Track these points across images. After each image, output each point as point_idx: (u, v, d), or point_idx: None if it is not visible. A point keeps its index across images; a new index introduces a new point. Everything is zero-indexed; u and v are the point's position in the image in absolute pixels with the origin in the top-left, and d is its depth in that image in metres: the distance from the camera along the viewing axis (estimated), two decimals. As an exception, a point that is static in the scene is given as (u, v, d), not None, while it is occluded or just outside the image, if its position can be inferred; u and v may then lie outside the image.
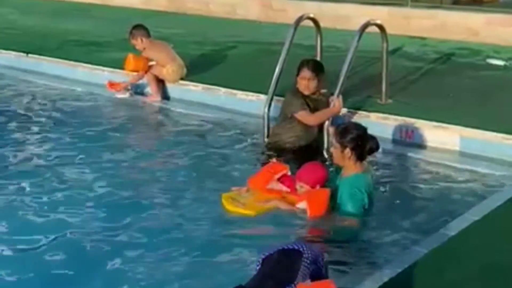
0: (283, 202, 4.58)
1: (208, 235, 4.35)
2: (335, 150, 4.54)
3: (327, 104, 5.75)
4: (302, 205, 4.49)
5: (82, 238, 4.33)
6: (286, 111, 5.73)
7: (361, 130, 4.59)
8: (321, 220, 4.46)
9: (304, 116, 5.58)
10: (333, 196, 4.47)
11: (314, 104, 5.70)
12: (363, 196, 4.44)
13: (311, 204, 4.44)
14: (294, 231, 4.43)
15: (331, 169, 4.82)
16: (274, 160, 5.26)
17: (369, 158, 5.56)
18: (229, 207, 4.61)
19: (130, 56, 7.43)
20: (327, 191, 4.46)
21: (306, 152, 5.63)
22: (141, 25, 7.56)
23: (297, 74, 5.69)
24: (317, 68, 5.67)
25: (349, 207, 4.43)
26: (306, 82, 5.60)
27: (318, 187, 4.58)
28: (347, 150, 4.47)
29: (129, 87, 7.61)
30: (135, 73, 7.51)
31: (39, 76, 8.48)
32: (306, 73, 5.60)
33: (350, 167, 4.52)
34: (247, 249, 4.12)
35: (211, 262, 4.01)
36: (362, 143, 4.50)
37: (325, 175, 4.65)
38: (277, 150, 5.61)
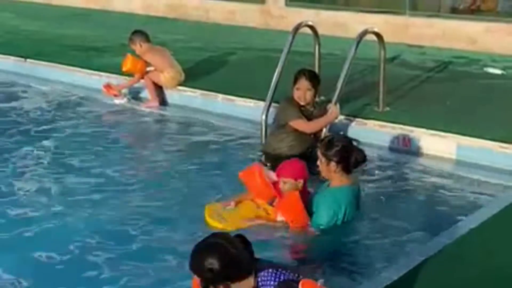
0: (265, 219, 4.55)
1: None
2: (321, 163, 4.49)
3: (322, 114, 5.72)
4: (280, 217, 4.48)
5: (71, 248, 4.34)
6: (280, 119, 5.70)
7: (347, 142, 4.56)
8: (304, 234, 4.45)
9: (300, 124, 5.56)
10: (311, 202, 4.49)
11: (309, 114, 5.66)
12: (338, 212, 4.42)
13: (284, 212, 4.43)
14: (280, 247, 4.40)
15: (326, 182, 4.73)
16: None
17: (367, 166, 5.63)
18: (210, 220, 4.55)
19: (129, 56, 7.46)
20: (295, 194, 4.42)
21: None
22: (140, 30, 7.58)
23: (294, 84, 5.68)
24: (314, 78, 5.65)
25: (321, 219, 4.42)
26: (303, 92, 5.58)
27: (301, 180, 4.53)
28: (333, 163, 4.44)
29: (125, 91, 7.62)
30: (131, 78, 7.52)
31: (37, 80, 8.48)
32: (303, 83, 5.58)
33: (336, 180, 4.50)
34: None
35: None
36: (347, 156, 4.45)
37: (303, 166, 4.62)
38: (272, 160, 5.59)
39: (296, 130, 5.58)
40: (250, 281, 2.88)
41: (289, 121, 5.61)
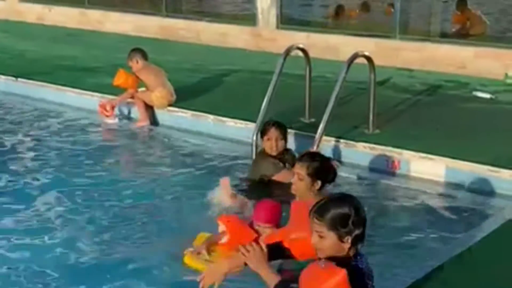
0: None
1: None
2: (300, 182, 4.42)
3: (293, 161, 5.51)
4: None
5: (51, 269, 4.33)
6: (257, 176, 5.53)
7: (325, 159, 4.57)
8: None
9: (285, 175, 5.29)
10: None
11: (284, 162, 5.58)
12: None
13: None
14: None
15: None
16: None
17: (356, 188, 5.65)
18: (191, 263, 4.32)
19: (121, 70, 7.51)
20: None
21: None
22: (139, 48, 7.69)
23: (263, 136, 5.60)
24: (283, 127, 5.60)
25: None
26: (273, 142, 5.50)
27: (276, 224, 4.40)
28: (318, 182, 4.42)
29: (117, 112, 7.61)
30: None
31: (28, 100, 8.48)
32: (273, 133, 5.52)
33: (312, 198, 4.36)
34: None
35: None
36: (328, 174, 4.48)
37: (279, 208, 4.49)
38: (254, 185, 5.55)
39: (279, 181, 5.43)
40: None
41: (271, 176, 5.48)
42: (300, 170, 4.42)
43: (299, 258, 3.53)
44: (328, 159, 4.61)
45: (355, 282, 2.99)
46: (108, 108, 7.55)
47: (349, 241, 3.05)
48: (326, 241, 3.06)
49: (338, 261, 3.05)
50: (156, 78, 7.47)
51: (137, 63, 7.48)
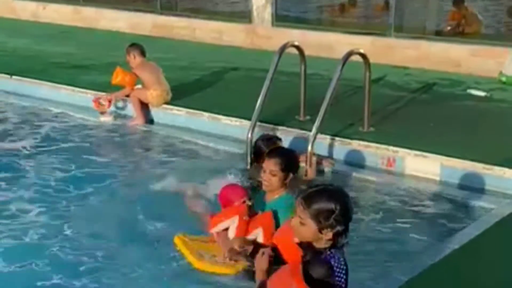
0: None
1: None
2: (274, 178, 4.44)
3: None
4: (254, 235, 4.38)
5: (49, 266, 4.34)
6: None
7: (292, 151, 4.70)
8: None
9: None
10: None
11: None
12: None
13: (266, 232, 4.31)
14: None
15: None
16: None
17: (351, 186, 5.65)
18: (205, 266, 4.32)
19: (118, 69, 7.50)
20: (270, 215, 4.40)
21: None
22: (137, 43, 7.67)
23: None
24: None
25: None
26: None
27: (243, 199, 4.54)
28: (290, 174, 4.48)
29: (112, 109, 7.59)
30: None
31: (22, 98, 8.46)
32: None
33: (279, 191, 4.50)
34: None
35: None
36: (297, 165, 4.62)
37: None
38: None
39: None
40: None
41: None
42: (273, 166, 4.44)
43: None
44: (293, 151, 4.73)
45: (316, 275, 2.98)
46: (103, 101, 7.54)
47: (328, 234, 3.05)
48: (306, 228, 3.07)
49: (312, 250, 3.07)
50: (152, 75, 7.45)
51: (134, 58, 7.45)
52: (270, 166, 4.45)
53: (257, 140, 5.69)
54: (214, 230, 4.52)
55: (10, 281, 4.20)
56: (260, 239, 4.32)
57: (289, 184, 4.49)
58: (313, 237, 3.07)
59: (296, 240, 3.14)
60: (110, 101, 7.57)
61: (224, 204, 4.65)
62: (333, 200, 3.06)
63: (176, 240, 4.51)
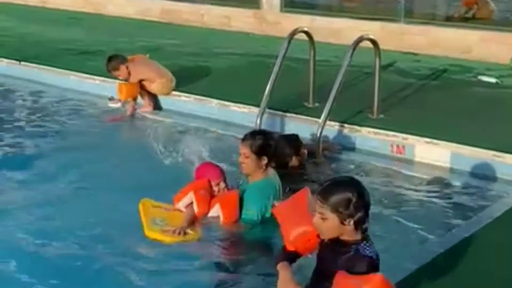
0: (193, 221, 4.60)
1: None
2: (249, 159, 4.58)
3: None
4: (214, 212, 4.58)
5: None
6: None
7: (269, 136, 4.72)
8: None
9: None
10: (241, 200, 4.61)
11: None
12: (267, 204, 4.53)
13: (224, 208, 4.55)
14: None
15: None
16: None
17: (360, 173, 5.63)
18: (153, 233, 4.46)
19: (121, 85, 7.24)
20: (236, 193, 4.59)
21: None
22: (114, 55, 7.37)
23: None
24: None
25: (253, 214, 4.53)
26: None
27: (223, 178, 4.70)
28: (264, 158, 4.57)
29: (118, 98, 7.54)
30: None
31: (30, 83, 8.45)
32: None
33: (259, 174, 4.63)
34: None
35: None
36: (273, 150, 4.63)
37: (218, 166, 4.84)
38: None
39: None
40: None
41: None
42: (245, 149, 4.59)
43: (306, 254, 3.55)
44: (270, 134, 4.75)
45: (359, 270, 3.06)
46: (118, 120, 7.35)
47: (351, 223, 3.12)
48: (328, 222, 3.14)
49: (344, 244, 3.14)
50: (149, 69, 7.30)
51: (126, 69, 7.19)
52: (243, 148, 4.61)
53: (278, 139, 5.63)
54: (178, 205, 4.70)
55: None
56: (220, 215, 4.57)
57: (269, 169, 4.61)
58: (337, 231, 3.15)
59: (322, 238, 3.21)
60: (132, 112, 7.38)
61: (203, 177, 4.79)
62: (348, 189, 3.14)
63: (140, 204, 4.67)
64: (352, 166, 5.81)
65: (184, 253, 4.33)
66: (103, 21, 11.93)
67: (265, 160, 4.58)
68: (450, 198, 5.26)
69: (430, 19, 9.82)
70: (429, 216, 4.96)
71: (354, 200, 3.11)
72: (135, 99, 7.33)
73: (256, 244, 4.55)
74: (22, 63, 8.90)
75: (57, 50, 9.47)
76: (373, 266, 3.11)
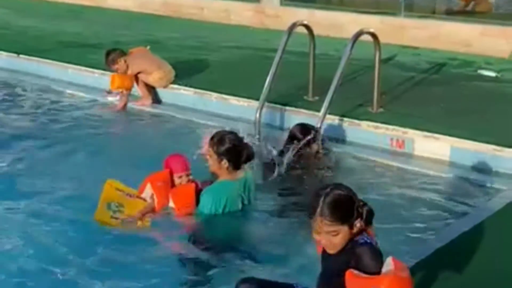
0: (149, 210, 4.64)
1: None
2: (212, 159, 4.59)
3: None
4: (171, 203, 4.66)
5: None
6: None
7: (237, 140, 4.63)
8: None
9: None
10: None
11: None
12: (218, 205, 4.54)
13: (177, 201, 4.61)
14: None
15: None
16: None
17: (360, 167, 5.62)
18: (102, 216, 4.51)
19: (114, 75, 7.22)
20: (191, 186, 4.63)
21: None
22: (111, 49, 7.37)
23: None
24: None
25: (204, 209, 4.56)
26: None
27: (189, 172, 4.71)
28: (224, 161, 4.54)
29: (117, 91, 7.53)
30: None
31: (29, 76, 8.44)
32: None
33: (223, 175, 4.62)
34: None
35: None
36: (239, 154, 4.57)
37: (186, 159, 4.81)
38: None
39: None
40: None
41: None
42: (210, 147, 4.60)
43: None
44: (241, 141, 4.65)
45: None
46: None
47: (359, 224, 3.11)
48: (339, 236, 3.09)
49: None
50: (148, 61, 7.28)
51: (125, 62, 7.16)
52: (209, 145, 4.62)
53: (293, 126, 5.64)
54: (143, 196, 4.71)
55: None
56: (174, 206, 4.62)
57: (238, 172, 4.60)
58: (346, 239, 3.11)
59: (333, 252, 3.14)
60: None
61: (169, 168, 4.79)
62: (345, 194, 3.11)
63: (105, 184, 4.68)
64: (351, 160, 5.79)
65: (134, 240, 4.39)
66: (102, 14, 11.91)
67: (226, 164, 4.54)
68: (449, 192, 5.26)
69: (430, 13, 9.81)
70: (428, 211, 4.95)
71: (355, 200, 3.11)
72: (127, 90, 7.28)
73: (203, 238, 4.56)
74: (21, 56, 8.88)
75: (56, 43, 9.45)
76: (375, 251, 3.09)
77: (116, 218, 4.50)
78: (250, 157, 4.66)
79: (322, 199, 3.08)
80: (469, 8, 9.96)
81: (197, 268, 4.15)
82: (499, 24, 8.89)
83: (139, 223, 4.54)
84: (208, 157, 4.64)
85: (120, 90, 7.28)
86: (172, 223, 4.62)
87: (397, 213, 4.89)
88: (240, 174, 4.65)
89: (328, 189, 3.11)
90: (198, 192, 4.64)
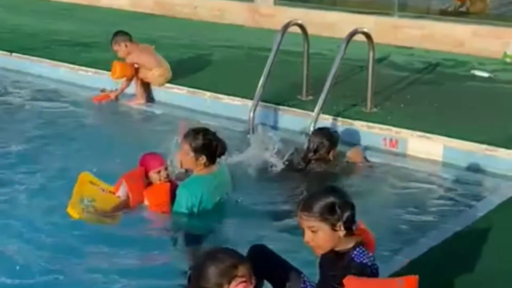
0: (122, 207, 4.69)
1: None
2: (185, 156, 4.61)
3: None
4: (146, 200, 4.70)
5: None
6: None
7: (211, 135, 4.69)
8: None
9: None
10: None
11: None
12: (195, 200, 4.57)
13: (150, 198, 4.65)
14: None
15: None
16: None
17: (353, 167, 5.61)
18: (75, 210, 4.54)
19: (117, 63, 7.27)
20: (165, 185, 4.67)
21: None
22: (122, 31, 7.42)
23: None
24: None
25: (180, 207, 4.59)
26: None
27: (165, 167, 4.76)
28: (202, 157, 4.57)
29: (111, 88, 7.53)
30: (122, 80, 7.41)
31: (22, 75, 8.41)
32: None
33: (198, 170, 4.65)
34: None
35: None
36: (214, 148, 4.62)
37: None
38: None
39: None
40: None
41: None
42: (185, 145, 4.61)
43: None
44: (215, 136, 4.69)
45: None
46: (104, 102, 7.43)
47: (342, 227, 3.07)
48: (320, 234, 3.08)
49: (339, 255, 3.11)
50: (150, 57, 7.31)
51: (126, 47, 7.20)
52: (183, 143, 4.64)
53: (316, 134, 5.63)
54: (118, 194, 4.74)
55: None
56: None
57: (213, 167, 4.63)
58: (331, 240, 3.09)
59: (321, 253, 3.14)
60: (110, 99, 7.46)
61: (144, 166, 4.81)
62: (327, 194, 3.12)
63: (79, 176, 4.73)
64: (344, 160, 5.79)
65: (106, 235, 4.42)
66: (96, 12, 11.87)
67: (203, 159, 4.58)
68: (442, 192, 5.27)
69: (424, 13, 9.82)
70: (420, 210, 4.96)
71: (337, 202, 3.07)
72: (128, 79, 7.31)
73: (179, 234, 4.62)
74: (14, 54, 8.84)
75: (50, 42, 9.42)
76: (373, 273, 3.08)
77: (88, 212, 4.54)
78: (222, 152, 4.71)
79: (307, 195, 3.16)
80: (464, 8, 9.98)
81: (175, 263, 4.19)
82: (492, 24, 8.91)
83: (109, 220, 4.57)
84: (182, 156, 4.65)
85: (122, 78, 7.33)
86: (147, 220, 4.66)
87: (389, 212, 4.90)
88: (214, 168, 4.69)
89: (318, 188, 3.17)
90: (174, 190, 4.67)
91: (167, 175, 4.79)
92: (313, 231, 3.08)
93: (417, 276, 3.02)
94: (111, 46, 7.37)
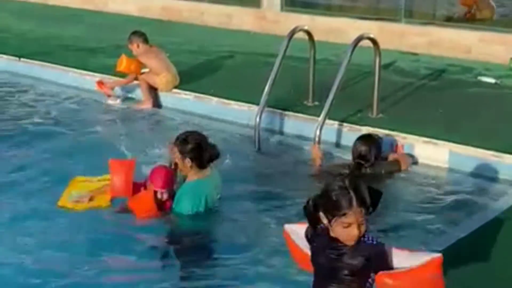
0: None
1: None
2: (178, 160, 4.71)
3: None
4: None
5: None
6: None
7: (201, 139, 4.73)
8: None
9: None
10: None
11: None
12: (199, 205, 4.66)
13: (134, 207, 4.72)
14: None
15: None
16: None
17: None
18: (63, 202, 4.79)
19: (124, 56, 7.40)
20: (149, 194, 4.72)
21: None
22: (139, 31, 7.54)
23: None
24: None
25: (184, 209, 4.66)
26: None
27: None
28: (187, 160, 4.64)
29: (120, 92, 7.57)
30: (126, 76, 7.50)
31: (30, 80, 8.46)
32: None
33: (192, 175, 4.73)
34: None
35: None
36: (201, 153, 4.67)
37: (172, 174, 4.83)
38: None
39: None
40: None
41: None
42: (175, 147, 4.71)
43: None
44: (204, 141, 4.74)
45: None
46: (104, 89, 7.53)
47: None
48: (362, 228, 3.08)
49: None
50: (160, 62, 7.38)
51: (138, 47, 7.31)
52: (172, 148, 4.74)
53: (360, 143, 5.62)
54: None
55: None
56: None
57: (204, 171, 4.71)
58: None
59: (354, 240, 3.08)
60: (111, 89, 7.56)
61: (149, 179, 4.84)
62: (363, 185, 3.16)
63: (70, 181, 5.05)
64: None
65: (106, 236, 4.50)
66: (104, 18, 11.93)
67: (189, 163, 4.65)
68: (447, 198, 5.26)
69: (430, 19, 9.82)
70: (426, 216, 4.96)
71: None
72: (133, 74, 7.39)
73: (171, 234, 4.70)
74: (22, 59, 8.90)
75: (58, 47, 9.47)
76: (385, 251, 3.11)
77: (76, 202, 4.77)
78: (213, 157, 4.75)
79: (352, 190, 3.08)
80: (469, 15, 9.96)
81: (176, 265, 4.29)
82: (498, 31, 8.91)
83: (96, 201, 4.78)
84: (176, 158, 4.72)
85: (125, 72, 7.43)
86: (148, 221, 4.73)
87: (393, 218, 4.90)
88: (208, 172, 4.76)
89: (346, 179, 3.10)
90: (172, 175, 4.77)
91: (169, 195, 4.79)
92: (361, 224, 3.06)
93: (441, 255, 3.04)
94: (126, 44, 7.47)
